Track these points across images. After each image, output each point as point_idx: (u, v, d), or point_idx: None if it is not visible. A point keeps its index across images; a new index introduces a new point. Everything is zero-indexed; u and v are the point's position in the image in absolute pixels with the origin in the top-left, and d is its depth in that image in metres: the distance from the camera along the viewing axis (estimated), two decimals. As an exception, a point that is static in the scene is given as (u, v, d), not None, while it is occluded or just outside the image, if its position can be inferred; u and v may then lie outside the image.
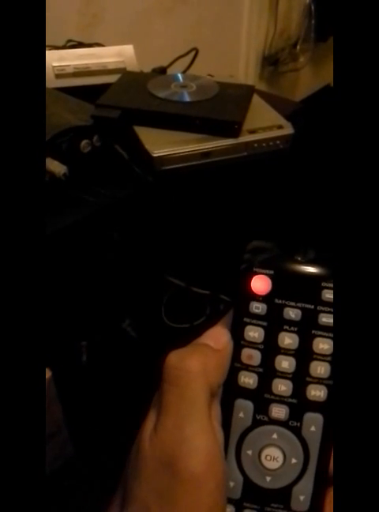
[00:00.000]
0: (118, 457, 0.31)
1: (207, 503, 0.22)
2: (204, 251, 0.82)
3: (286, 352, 0.25)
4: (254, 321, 0.25)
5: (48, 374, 0.53)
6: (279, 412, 0.25)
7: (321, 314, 0.25)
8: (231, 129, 0.62)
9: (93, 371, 0.75)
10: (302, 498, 0.25)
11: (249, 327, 0.25)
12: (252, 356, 0.25)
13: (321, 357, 0.25)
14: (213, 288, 0.88)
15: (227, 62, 1.46)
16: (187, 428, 0.23)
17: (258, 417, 0.25)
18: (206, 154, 0.62)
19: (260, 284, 0.26)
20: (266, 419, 0.25)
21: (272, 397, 0.25)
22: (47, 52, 0.79)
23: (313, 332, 0.25)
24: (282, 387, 0.25)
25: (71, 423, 0.63)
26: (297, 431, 0.25)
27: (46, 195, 0.54)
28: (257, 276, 0.26)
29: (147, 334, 0.83)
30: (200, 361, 0.24)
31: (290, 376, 0.25)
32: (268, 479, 0.25)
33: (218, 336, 0.25)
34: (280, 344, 0.25)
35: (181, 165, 0.61)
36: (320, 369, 0.25)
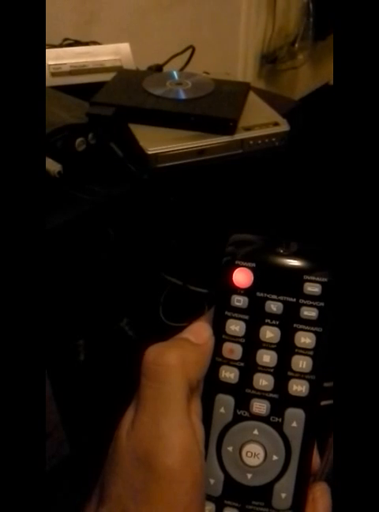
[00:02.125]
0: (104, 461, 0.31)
1: (183, 501, 0.22)
2: (201, 249, 0.81)
3: (267, 346, 0.25)
4: (236, 315, 0.25)
5: (43, 372, 0.53)
6: (260, 407, 0.24)
7: (303, 308, 0.25)
8: (227, 126, 0.62)
9: (90, 370, 0.75)
10: (283, 495, 0.24)
11: (230, 321, 0.25)
12: (233, 350, 0.25)
13: (303, 351, 0.25)
14: (211, 286, 0.88)
15: (224, 60, 1.46)
16: (164, 424, 0.22)
17: (239, 412, 0.25)
18: (201, 151, 0.61)
19: (241, 276, 0.25)
20: (247, 414, 0.25)
21: (254, 391, 0.25)
22: (43, 50, 0.79)
23: (294, 325, 0.25)
24: (263, 382, 0.25)
25: (68, 423, 0.63)
26: (278, 427, 0.24)
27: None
28: (238, 269, 0.25)
29: (144, 333, 0.83)
30: (179, 355, 0.23)
31: (272, 370, 0.25)
32: (249, 476, 0.24)
33: (199, 331, 0.25)
34: (262, 337, 0.25)
35: (176, 163, 0.61)
36: (302, 363, 0.24)
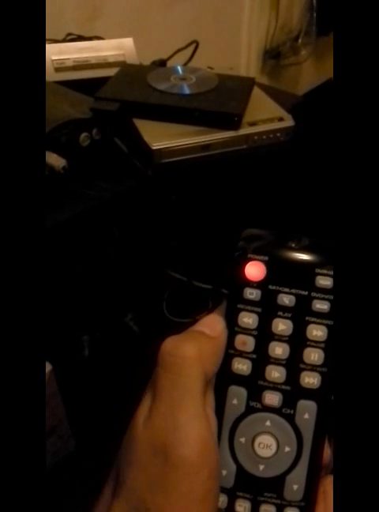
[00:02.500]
0: (119, 451, 0.31)
1: (200, 492, 0.22)
2: (206, 245, 0.81)
3: (280, 338, 0.25)
4: (248, 308, 0.25)
5: (49, 367, 0.53)
6: (272, 399, 0.24)
7: (315, 301, 0.25)
8: (231, 121, 0.62)
9: (95, 366, 0.75)
10: (295, 487, 0.24)
11: (243, 313, 0.25)
12: (246, 342, 0.25)
13: (315, 344, 0.25)
14: (215, 281, 0.88)
15: (228, 55, 1.45)
16: (181, 415, 0.22)
17: (251, 404, 0.25)
18: (206, 147, 0.61)
19: (254, 270, 0.25)
20: (259, 406, 0.25)
21: (266, 383, 0.25)
22: (47, 46, 0.78)
23: (306, 318, 0.25)
24: (275, 374, 0.25)
25: (72, 418, 0.63)
26: (290, 419, 0.24)
27: (46, 189, 0.54)
28: (251, 263, 0.25)
29: (149, 328, 0.83)
30: (196, 348, 0.24)
31: (284, 363, 0.25)
32: (261, 467, 0.24)
33: (213, 324, 0.25)
34: (274, 330, 0.25)
35: (180, 158, 0.60)
36: (313, 356, 0.25)
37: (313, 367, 0.25)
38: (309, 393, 0.25)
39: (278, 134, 0.64)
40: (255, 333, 0.25)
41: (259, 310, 0.25)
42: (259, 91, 0.71)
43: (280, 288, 0.25)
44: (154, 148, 0.58)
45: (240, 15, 1.42)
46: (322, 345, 0.25)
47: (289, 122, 0.65)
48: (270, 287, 0.25)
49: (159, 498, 0.22)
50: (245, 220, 0.82)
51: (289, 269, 0.25)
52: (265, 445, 0.24)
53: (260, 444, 0.24)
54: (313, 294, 0.25)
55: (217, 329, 0.25)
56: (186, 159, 0.61)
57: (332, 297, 0.25)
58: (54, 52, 0.77)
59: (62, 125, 0.56)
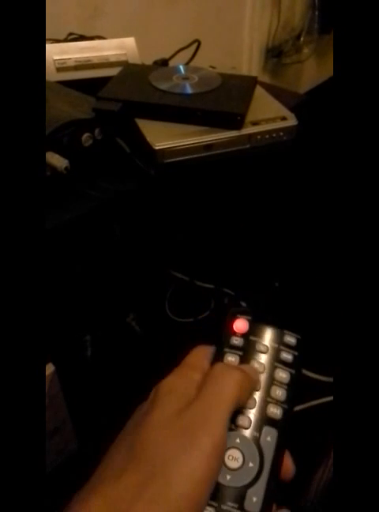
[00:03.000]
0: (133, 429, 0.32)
1: (207, 473, 0.26)
2: (208, 245, 0.81)
3: None
4: (233, 351, 0.33)
5: (51, 368, 0.53)
6: (243, 421, 0.30)
7: (282, 352, 0.33)
8: (234, 121, 0.61)
9: (97, 366, 0.75)
10: (254, 499, 0.28)
11: (228, 354, 0.33)
12: None
13: (280, 384, 0.32)
14: (217, 282, 0.88)
15: (230, 54, 1.45)
16: (215, 415, 0.28)
17: None
18: (208, 146, 0.61)
19: (240, 325, 0.34)
20: (233, 426, 0.30)
21: (239, 409, 0.30)
22: (48, 45, 0.78)
23: (275, 364, 0.32)
24: (248, 402, 0.31)
25: (75, 418, 0.63)
26: (256, 440, 0.30)
27: (48, 189, 0.54)
28: (238, 319, 0.34)
29: (151, 328, 0.83)
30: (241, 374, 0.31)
31: (255, 395, 0.31)
32: (228, 477, 0.28)
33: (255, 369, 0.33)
34: None
35: (183, 158, 0.60)
36: (278, 393, 0.31)
37: (277, 402, 0.31)
38: (272, 422, 0.30)
39: (281, 133, 0.64)
40: None
41: (241, 353, 0.33)
42: (261, 90, 0.71)
43: (258, 340, 0.33)
44: (157, 148, 0.58)
45: (242, 13, 1.42)
46: (285, 386, 0.32)
47: (292, 121, 0.64)
48: (251, 338, 0.33)
49: (170, 468, 0.26)
50: (247, 221, 0.82)
51: (265, 328, 0.34)
52: (234, 457, 0.29)
53: (229, 456, 0.29)
54: (282, 347, 0.33)
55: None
56: (189, 159, 0.60)
57: (295, 352, 0.33)
58: (56, 52, 0.77)
59: (64, 125, 0.56)
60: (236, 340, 0.33)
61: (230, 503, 0.28)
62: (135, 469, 0.26)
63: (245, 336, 0.33)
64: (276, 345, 0.33)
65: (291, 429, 0.31)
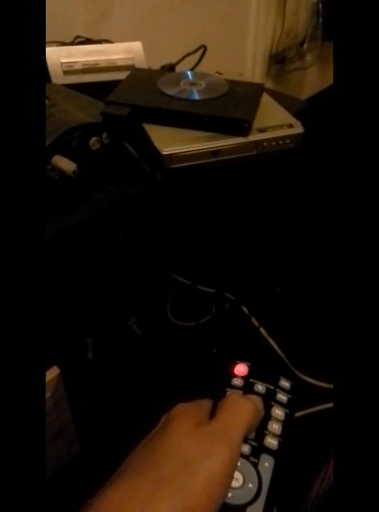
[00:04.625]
0: (123, 454, 0.32)
1: (222, 478, 0.29)
2: (210, 249, 0.81)
3: None
4: (234, 390, 0.38)
5: (56, 371, 0.53)
6: (244, 448, 0.34)
7: (278, 393, 0.38)
8: (241, 127, 0.62)
9: (98, 369, 0.75)
10: None
11: (229, 392, 0.37)
12: None
13: (276, 420, 0.36)
14: (219, 286, 0.88)
15: (234, 59, 1.45)
16: (234, 430, 0.32)
17: None
18: (215, 152, 0.61)
19: (241, 368, 0.40)
20: None
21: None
22: (56, 48, 0.79)
23: (272, 402, 0.38)
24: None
25: (76, 421, 0.63)
26: (255, 465, 0.33)
27: (56, 193, 0.54)
28: (239, 364, 0.40)
29: (152, 332, 0.83)
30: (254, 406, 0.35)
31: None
32: (230, 495, 0.31)
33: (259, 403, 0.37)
34: None
35: (190, 163, 0.60)
36: (274, 426, 0.36)
37: (273, 434, 0.35)
38: (269, 451, 0.34)
39: (287, 141, 0.64)
40: None
41: (241, 392, 0.38)
42: (268, 97, 0.72)
43: (256, 381, 0.39)
44: (164, 153, 0.59)
45: (246, 19, 1.43)
46: (281, 422, 0.36)
47: (298, 128, 0.65)
48: (250, 380, 0.39)
49: (193, 467, 0.28)
50: (251, 226, 0.83)
51: (263, 373, 0.39)
52: (235, 478, 0.32)
53: None
54: (277, 389, 0.39)
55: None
56: (196, 164, 0.61)
57: (288, 396, 0.38)
58: (64, 55, 0.77)
59: (73, 129, 0.56)
60: (237, 381, 0.39)
61: None
62: (158, 467, 0.28)
63: (244, 378, 0.39)
64: (272, 387, 0.39)
65: (288, 451, 0.35)
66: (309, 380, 0.75)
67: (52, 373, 0.53)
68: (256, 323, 0.84)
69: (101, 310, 0.74)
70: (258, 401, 0.36)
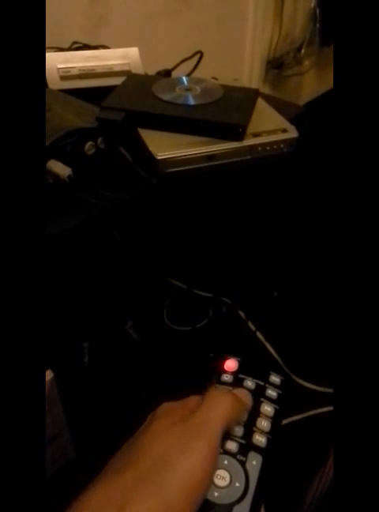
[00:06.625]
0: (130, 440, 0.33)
1: (201, 475, 0.28)
2: (207, 254, 0.82)
3: None
4: (223, 386, 0.37)
5: (50, 375, 0.53)
6: (231, 445, 0.33)
7: (268, 389, 0.38)
8: (236, 132, 0.62)
9: (95, 373, 0.75)
10: None
11: (219, 388, 0.37)
12: None
13: (265, 416, 0.36)
14: (215, 290, 0.88)
15: (231, 65, 1.46)
16: (213, 422, 0.31)
17: None
18: (210, 157, 0.62)
19: (231, 364, 0.39)
20: (221, 451, 0.33)
21: (228, 435, 0.34)
22: (53, 54, 0.79)
23: (261, 399, 0.37)
24: (236, 429, 0.34)
25: (72, 425, 0.63)
26: (242, 463, 0.33)
27: (51, 197, 0.54)
28: (229, 360, 0.39)
29: (149, 336, 0.83)
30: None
31: (243, 424, 0.35)
32: (216, 494, 0.31)
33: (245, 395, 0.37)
34: None
35: (185, 168, 0.61)
36: (263, 424, 0.35)
37: (262, 432, 0.35)
38: (257, 448, 0.34)
39: (281, 146, 0.65)
40: None
41: (230, 388, 0.37)
42: (263, 102, 0.72)
43: (246, 377, 0.38)
44: (159, 157, 0.59)
45: (244, 25, 1.44)
46: (270, 419, 0.36)
47: (293, 133, 0.65)
48: (239, 375, 0.38)
49: (170, 467, 0.28)
50: (247, 231, 0.83)
51: (253, 368, 0.39)
52: (221, 477, 0.32)
53: (217, 475, 0.32)
54: (267, 385, 0.38)
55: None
56: (191, 169, 0.61)
57: (278, 391, 0.37)
58: (60, 60, 0.78)
59: (68, 134, 0.57)
60: (226, 377, 0.38)
61: None
62: (134, 468, 0.28)
63: (234, 374, 0.38)
64: (262, 383, 0.38)
65: (286, 443, 0.35)
66: (306, 384, 0.74)
67: (46, 377, 0.53)
68: (252, 327, 0.84)
69: (97, 314, 0.74)
70: (244, 394, 0.35)
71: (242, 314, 0.86)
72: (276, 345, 0.80)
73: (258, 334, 0.83)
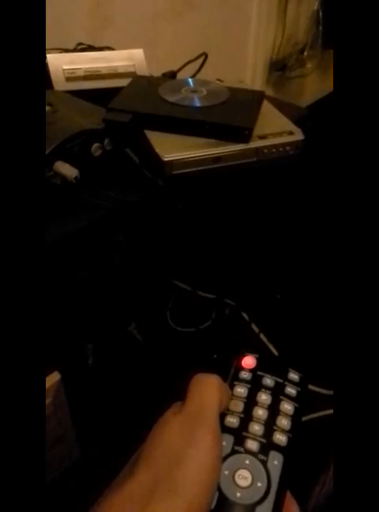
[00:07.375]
0: (123, 459, 0.32)
1: (209, 464, 0.28)
2: (211, 255, 0.82)
3: (261, 405, 0.35)
4: (242, 384, 0.36)
5: (57, 377, 0.53)
6: (252, 445, 0.33)
7: (287, 387, 0.36)
8: (242, 134, 0.62)
9: (99, 374, 0.75)
10: None
11: (237, 386, 0.36)
12: (237, 405, 0.35)
13: (285, 415, 0.35)
14: (219, 292, 0.88)
15: (234, 66, 1.46)
16: (208, 412, 0.31)
17: (236, 448, 0.33)
18: (216, 159, 0.62)
19: (249, 361, 0.38)
20: (242, 450, 0.33)
21: (248, 434, 0.33)
22: (58, 55, 0.79)
23: (280, 397, 0.35)
24: (256, 428, 0.34)
25: (77, 426, 0.63)
26: (264, 463, 0.32)
27: (58, 199, 0.54)
28: (247, 356, 0.38)
29: (152, 338, 0.83)
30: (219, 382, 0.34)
31: (263, 422, 0.34)
32: (238, 494, 0.31)
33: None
34: (258, 399, 0.35)
35: (191, 170, 0.61)
36: (283, 422, 0.34)
37: (282, 430, 0.34)
38: (278, 447, 0.33)
39: (287, 148, 0.65)
40: (244, 400, 0.35)
41: (249, 386, 0.36)
42: (268, 104, 0.72)
43: (265, 374, 0.37)
44: (165, 159, 0.59)
45: (247, 27, 1.44)
46: (290, 417, 0.34)
47: (298, 136, 0.65)
48: (258, 372, 0.37)
49: (182, 462, 0.28)
50: (252, 233, 0.83)
51: (271, 365, 0.37)
52: (243, 477, 0.31)
53: (239, 475, 0.31)
54: (286, 382, 0.36)
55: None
56: (197, 170, 0.61)
57: (298, 388, 0.36)
58: (66, 62, 0.78)
59: (75, 135, 0.57)
60: (244, 374, 0.37)
61: None
62: (147, 467, 0.28)
63: (252, 371, 0.37)
64: (281, 381, 0.37)
65: (296, 452, 0.33)
66: (310, 386, 0.75)
67: (53, 378, 0.53)
68: (256, 329, 0.84)
69: (102, 315, 0.74)
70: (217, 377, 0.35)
71: (245, 315, 0.86)
72: (279, 347, 0.80)
73: (261, 336, 0.83)
